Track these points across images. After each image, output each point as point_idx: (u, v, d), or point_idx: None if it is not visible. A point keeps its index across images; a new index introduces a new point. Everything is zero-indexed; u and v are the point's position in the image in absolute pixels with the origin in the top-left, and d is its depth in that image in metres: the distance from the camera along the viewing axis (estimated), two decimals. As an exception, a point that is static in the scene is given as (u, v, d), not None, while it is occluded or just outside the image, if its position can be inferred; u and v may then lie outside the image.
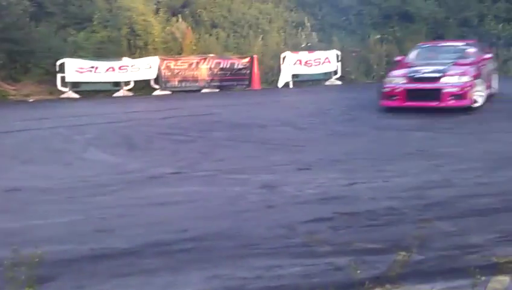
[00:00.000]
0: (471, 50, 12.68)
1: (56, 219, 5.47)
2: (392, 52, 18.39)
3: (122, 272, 4.19)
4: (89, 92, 16.75)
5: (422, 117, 10.84)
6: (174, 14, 19.35)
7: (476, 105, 11.41)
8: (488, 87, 12.36)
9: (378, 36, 19.55)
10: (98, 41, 18.01)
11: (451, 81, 11.21)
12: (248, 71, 17.70)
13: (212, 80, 17.43)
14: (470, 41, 13.68)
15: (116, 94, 16.82)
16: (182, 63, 17.47)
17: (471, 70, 11.52)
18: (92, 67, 16.47)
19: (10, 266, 4.02)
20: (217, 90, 17.16)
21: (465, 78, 11.24)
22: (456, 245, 4.51)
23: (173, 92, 17.02)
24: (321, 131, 10.14)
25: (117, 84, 17.05)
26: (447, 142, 8.69)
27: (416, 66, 11.97)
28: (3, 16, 16.93)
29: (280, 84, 17.82)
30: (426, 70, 11.59)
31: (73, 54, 17.14)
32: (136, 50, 18.08)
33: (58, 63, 16.62)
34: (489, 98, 12.40)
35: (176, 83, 17.34)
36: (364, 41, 19.50)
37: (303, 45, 19.08)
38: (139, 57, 17.56)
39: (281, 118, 11.54)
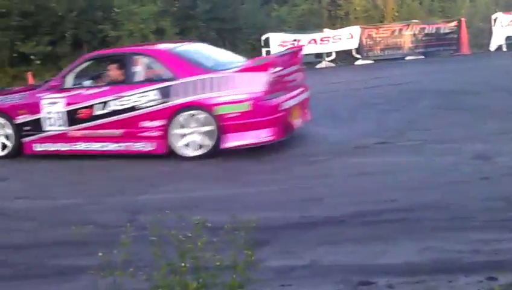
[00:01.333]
0: None
1: (266, 188, 5.68)
2: None
3: (330, 240, 4.25)
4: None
5: None
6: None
7: None
8: None
9: None
10: (299, 15, 18.33)
11: None
12: (455, 35, 16.69)
13: (416, 47, 16.77)
14: None
15: (318, 66, 17.02)
16: (383, 31, 17.05)
17: None
18: (295, 40, 16.81)
19: (230, 230, 4.28)
20: (422, 57, 16.48)
21: None
22: None
23: (376, 60, 16.73)
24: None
25: (319, 56, 17.22)
26: None
27: None
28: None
29: (492, 47, 16.57)
30: None
31: (277, 29, 17.65)
32: (336, 21, 18.07)
33: (263, 38, 17.26)
34: None
35: (378, 51, 17.00)
36: None
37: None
38: (340, 27, 17.51)
39: (494, 83, 10.71)
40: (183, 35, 17.39)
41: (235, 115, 6.74)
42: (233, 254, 3.31)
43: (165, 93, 7.02)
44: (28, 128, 7.55)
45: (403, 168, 5.94)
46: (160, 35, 16.91)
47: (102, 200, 5.65)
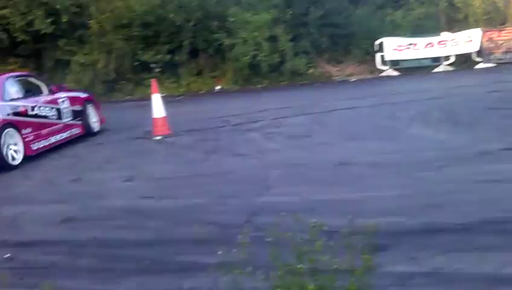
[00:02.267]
0: None
1: (386, 192, 5.54)
2: None
3: (455, 248, 4.05)
4: (408, 69, 16.78)
5: None
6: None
7: None
8: None
9: None
10: (415, 19, 17.87)
11: None
12: None
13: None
14: None
15: (435, 70, 16.49)
16: (506, 33, 16.25)
17: None
18: (411, 44, 16.42)
19: (347, 234, 4.22)
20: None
21: None
22: None
23: (498, 64, 15.95)
24: None
25: (436, 60, 16.69)
26: None
27: None
28: (324, 3, 17.94)
29: None
30: None
31: (391, 33, 17.33)
32: (454, 24, 17.43)
33: (377, 42, 16.99)
34: None
35: (500, 54, 16.21)
36: None
37: None
38: (459, 30, 16.88)
39: None
40: (296, 41, 17.51)
41: None
42: (350, 257, 3.26)
43: None
44: None
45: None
46: (274, 42, 17.13)
47: (221, 201, 5.77)
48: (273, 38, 17.22)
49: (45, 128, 9.42)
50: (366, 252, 3.88)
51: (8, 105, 8.79)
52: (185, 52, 17.44)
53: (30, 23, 16.91)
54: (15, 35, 16.95)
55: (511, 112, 8.90)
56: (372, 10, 18.56)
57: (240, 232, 4.39)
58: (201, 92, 17.34)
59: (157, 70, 16.82)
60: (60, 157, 9.21)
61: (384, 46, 16.84)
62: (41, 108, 9.48)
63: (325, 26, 17.90)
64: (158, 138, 9.62)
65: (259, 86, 17.56)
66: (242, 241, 4.05)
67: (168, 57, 17.31)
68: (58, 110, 9.91)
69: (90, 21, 17.47)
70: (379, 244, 4.08)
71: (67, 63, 17.41)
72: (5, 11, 16.77)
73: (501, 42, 16.19)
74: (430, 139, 7.75)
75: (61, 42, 17.62)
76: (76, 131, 10.33)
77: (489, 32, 16.34)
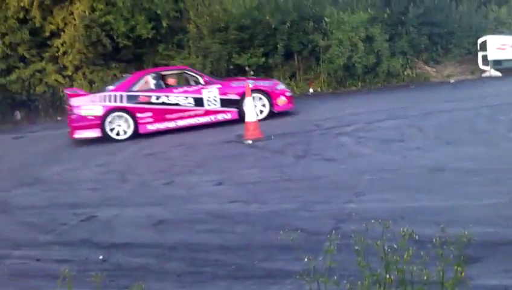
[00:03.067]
0: None
1: (481, 201, 5.33)
2: None
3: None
4: (511, 69, 15.93)
5: None
6: None
7: None
8: None
9: None
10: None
11: None
12: None
13: None
14: None
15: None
16: None
17: None
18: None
19: (439, 244, 4.07)
20: None
21: None
22: None
23: None
24: None
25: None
26: None
27: None
28: (424, 1, 17.43)
29: None
30: None
31: (495, 31, 16.55)
32: None
33: (480, 41, 16.28)
34: None
35: None
36: None
37: None
38: None
39: None
40: (393, 41, 17.14)
41: None
42: (441, 269, 3.14)
43: None
44: None
45: None
46: (370, 42, 16.85)
47: (309, 208, 5.74)
48: (369, 39, 16.93)
49: (171, 113, 11.78)
50: (458, 263, 3.73)
51: (127, 94, 11.66)
52: (280, 54, 17.51)
53: (132, 29, 17.60)
54: (118, 40, 17.70)
55: None
56: (475, 7, 17.83)
57: (327, 240, 4.36)
58: (295, 95, 17.37)
59: (251, 73, 16.99)
60: (155, 160, 9.54)
61: (488, 44, 16.09)
62: (171, 97, 11.81)
63: (424, 25, 17.39)
64: (249, 141, 9.73)
65: (353, 88, 17.33)
66: (328, 249, 4.01)
67: (263, 59, 17.45)
68: (197, 98, 11.88)
69: (188, 25, 17.93)
70: (472, 256, 3.91)
71: (166, 67, 17.96)
72: (109, 17, 17.55)
73: None
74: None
75: (161, 47, 18.22)
76: (225, 116, 12.00)
77: None
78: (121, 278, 4.43)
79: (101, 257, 4.93)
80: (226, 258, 4.63)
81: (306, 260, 3.75)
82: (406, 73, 17.42)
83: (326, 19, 17.20)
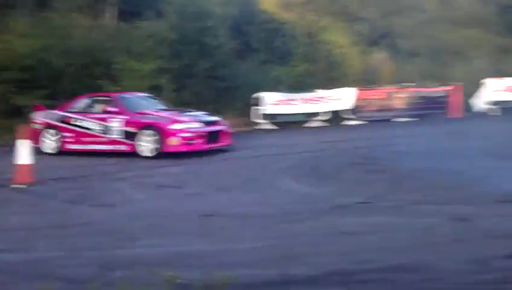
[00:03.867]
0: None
1: (246, 244, 5.62)
2: None
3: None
4: (284, 123, 17.30)
5: None
6: (373, 45, 19.30)
7: None
8: None
9: None
10: (297, 75, 18.60)
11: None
12: (447, 99, 16.92)
13: (408, 109, 16.97)
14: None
15: (310, 124, 17.15)
16: (378, 92, 17.33)
17: None
18: (289, 99, 17.03)
19: (201, 287, 4.20)
20: (414, 119, 16.64)
21: None
22: None
23: (369, 121, 16.89)
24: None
25: (312, 115, 17.39)
26: None
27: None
28: (213, 56, 18.27)
29: (478, 109, 16.74)
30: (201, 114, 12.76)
31: (273, 88, 17.88)
32: (333, 81, 18.32)
33: (254, 96, 17.43)
34: None
35: (372, 112, 17.19)
36: None
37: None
38: (336, 88, 17.75)
39: (483, 147, 10.79)
40: (180, 92, 17.63)
41: None
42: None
43: None
44: None
45: (383, 229, 5.90)
46: (158, 91, 17.14)
47: (76, 254, 5.56)
48: (157, 88, 17.22)
49: (85, 137, 12.65)
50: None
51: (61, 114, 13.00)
52: (64, 97, 16.98)
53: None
54: None
55: (372, 167, 9.41)
56: (257, 65, 19.12)
57: (88, 287, 4.27)
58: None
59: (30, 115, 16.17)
60: None
61: (264, 100, 17.32)
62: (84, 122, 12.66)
63: (211, 79, 18.18)
64: (19, 186, 9.15)
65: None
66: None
67: (48, 102, 16.76)
68: (105, 126, 12.47)
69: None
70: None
71: None
72: None
73: (373, 101, 17.19)
74: (294, 192, 8.01)
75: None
76: (123, 148, 12.22)
77: (362, 91, 17.31)
78: None
79: None
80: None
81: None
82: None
83: (116, 65, 17.17)
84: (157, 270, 4.64)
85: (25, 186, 9.12)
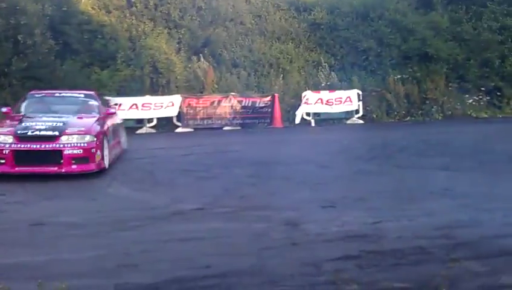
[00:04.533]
0: (93, 103, 11.01)
1: (80, 254, 5.46)
2: (413, 91, 18.83)
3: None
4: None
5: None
6: (195, 53, 19.59)
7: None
8: (116, 145, 10.83)
9: (398, 76, 19.55)
10: (121, 80, 18.25)
11: (72, 141, 9.19)
12: (269, 109, 17.75)
13: (234, 118, 17.50)
14: (90, 93, 11.72)
15: (139, 131, 16.95)
16: (203, 101, 17.60)
17: (96, 127, 9.70)
18: (116, 104, 16.67)
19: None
20: (239, 127, 17.23)
21: (88, 138, 9.29)
22: (485, 285, 4.42)
23: (195, 129, 17.12)
24: (344, 169, 10.09)
25: (140, 122, 17.21)
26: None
27: (28, 121, 9.68)
28: (28, 55, 17.28)
29: (297, 121, 17.85)
30: (40, 127, 9.31)
31: (97, 92, 17.35)
32: (158, 88, 18.27)
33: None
34: (119, 157, 10.91)
35: (198, 120, 17.43)
36: (384, 81, 19.52)
37: (323, 84, 19.12)
38: (162, 94, 17.74)
39: (303, 155, 11.53)
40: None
41: None
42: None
43: None
44: None
45: (218, 234, 6.07)
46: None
47: None
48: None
49: None
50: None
51: None
52: None
53: None
54: None
55: (204, 174, 9.60)
56: (79, 67, 18.42)
57: None
58: None
59: None
60: None
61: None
62: None
63: (28, 79, 17.14)
64: None
65: None
66: None
67: None
68: None
69: None
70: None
71: None
72: None
73: (199, 109, 17.45)
74: (128, 199, 7.91)
75: None
76: None
77: (188, 99, 17.49)
78: None
79: None
80: None
81: None
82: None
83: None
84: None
85: None
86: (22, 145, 9.05)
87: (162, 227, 6.42)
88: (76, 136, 9.22)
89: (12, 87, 16.82)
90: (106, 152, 9.68)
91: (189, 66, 18.95)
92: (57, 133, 9.17)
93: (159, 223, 6.58)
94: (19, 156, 9.01)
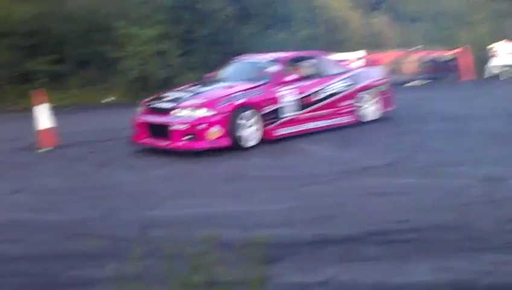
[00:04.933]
0: (272, 69, 9.42)
1: (275, 205, 5.65)
2: None
3: (345, 258, 4.20)
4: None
5: None
6: (373, 9, 19.16)
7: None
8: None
9: None
10: (301, 40, 18.46)
11: (181, 115, 8.38)
12: (456, 63, 16.87)
13: (419, 73, 16.91)
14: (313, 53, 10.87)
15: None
16: (386, 57, 17.21)
17: (218, 101, 8.43)
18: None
19: (241, 246, 4.25)
20: (426, 82, 16.59)
21: (201, 112, 8.31)
22: None
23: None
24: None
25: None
26: None
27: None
28: (211, 22, 18.06)
29: (488, 74, 16.75)
30: (167, 99, 8.96)
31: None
32: (335, 46, 18.20)
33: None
34: None
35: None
36: None
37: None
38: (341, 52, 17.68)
39: (498, 109, 10.82)
40: (186, 56, 17.53)
41: None
42: (245, 269, 3.26)
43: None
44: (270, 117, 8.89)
45: (412, 190, 5.92)
46: (162, 57, 17.04)
47: (111, 215, 5.61)
48: (161, 54, 17.13)
49: None
50: (259, 263, 3.95)
51: None
52: (71, 63, 16.95)
53: None
54: None
55: (395, 129, 9.54)
56: (260, 29, 18.95)
57: (133, 245, 4.32)
58: (90, 104, 16.85)
59: (43, 80, 16.13)
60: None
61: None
62: None
63: (213, 44, 18.05)
64: (44, 150, 9.19)
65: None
66: (135, 255, 3.98)
67: (55, 67, 16.75)
68: None
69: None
70: (273, 256, 4.15)
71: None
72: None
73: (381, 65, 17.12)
74: (317, 155, 8.03)
75: None
76: None
77: (370, 56, 17.21)
78: None
79: None
80: (29, 267, 4.32)
81: (111, 266, 3.71)
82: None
83: (117, 31, 17.02)
84: (195, 230, 4.70)
85: (50, 149, 9.16)
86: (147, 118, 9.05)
87: (355, 182, 6.41)
88: (187, 110, 8.44)
89: (201, 52, 17.79)
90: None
91: (367, 22, 18.61)
92: (170, 106, 8.68)
93: (351, 178, 6.57)
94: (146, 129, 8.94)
